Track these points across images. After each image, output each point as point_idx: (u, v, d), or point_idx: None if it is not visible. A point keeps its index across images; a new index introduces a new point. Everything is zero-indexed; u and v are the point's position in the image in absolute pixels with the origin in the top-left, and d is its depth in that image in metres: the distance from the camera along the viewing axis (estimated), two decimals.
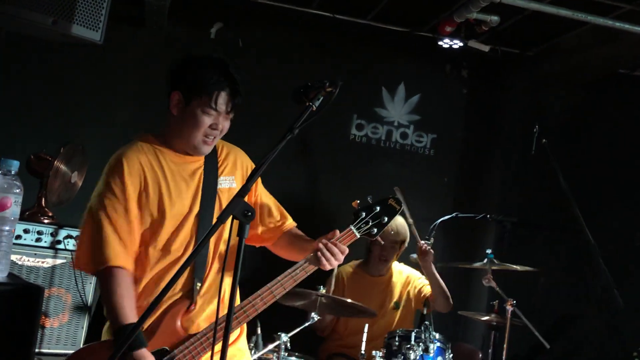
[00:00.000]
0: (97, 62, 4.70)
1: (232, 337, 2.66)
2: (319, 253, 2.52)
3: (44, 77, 4.64)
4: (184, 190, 2.56)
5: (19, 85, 4.58)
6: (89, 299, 4.09)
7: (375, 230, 2.61)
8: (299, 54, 5.28)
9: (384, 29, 5.30)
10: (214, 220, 2.52)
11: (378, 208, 2.63)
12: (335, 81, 2.22)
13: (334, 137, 5.34)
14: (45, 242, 3.97)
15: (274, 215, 2.81)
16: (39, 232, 3.95)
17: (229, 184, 2.67)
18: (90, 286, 4.09)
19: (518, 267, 4.20)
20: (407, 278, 4.64)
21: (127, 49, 4.83)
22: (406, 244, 4.54)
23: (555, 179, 4.41)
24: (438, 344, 3.91)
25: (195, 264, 2.53)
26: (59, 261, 4.01)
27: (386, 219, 2.61)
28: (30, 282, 1.69)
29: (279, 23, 5.17)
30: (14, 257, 3.80)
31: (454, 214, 4.77)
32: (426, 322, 3.95)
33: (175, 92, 2.58)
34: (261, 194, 2.83)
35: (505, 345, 3.96)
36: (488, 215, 4.77)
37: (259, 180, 2.80)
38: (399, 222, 4.48)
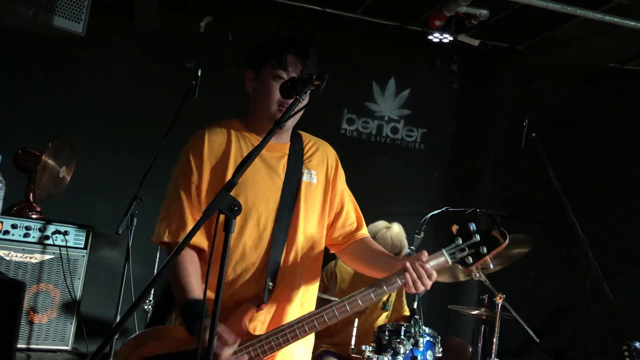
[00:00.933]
0: (85, 56, 4.68)
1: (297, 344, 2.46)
2: (407, 273, 2.31)
3: (31, 72, 4.62)
4: (264, 180, 2.44)
5: (5, 80, 4.55)
6: (78, 294, 4.07)
7: (471, 259, 2.33)
8: None
9: (373, 23, 5.29)
10: (293, 215, 2.45)
11: (478, 237, 2.34)
12: (323, 74, 2.20)
13: (324, 132, 5.26)
14: (34, 237, 3.94)
15: (352, 218, 2.67)
16: (27, 228, 3.92)
17: (310, 178, 2.56)
18: (78, 282, 4.06)
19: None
20: None
21: (115, 43, 4.81)
22: (401, 256, 4.53)
23: (545, 173, 4.40)
24: (428, 338, 3.91)
25: (269, 262, 2.39)
26: (47, 256, 3.98)
27: (485, 249, 2.33)
28: (12, 278, 1.67)
29: (269, 17, 5.15)
30: (1, 253, 3.77)
31: (444, 208, 4.76)
32: (416, 317, 3.95)
33: (248, 70, 2.56)
34: (343, 192, 2.68)
35: (495, 340, 3.96)
36: (478, 210, 4.75)
37: (342, 176, 2.72)
38: (394, 232, 4.47)
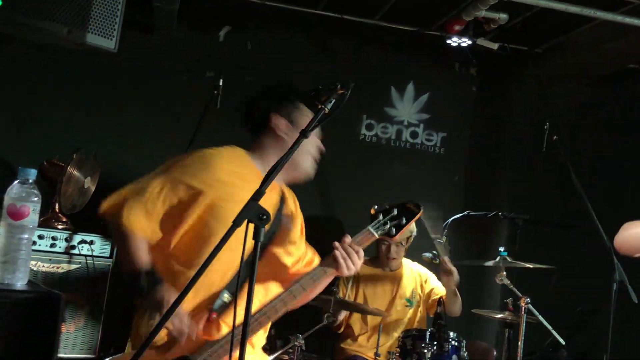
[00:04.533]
0: (107, 69, 4.72)
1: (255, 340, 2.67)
2: (336, 252, 2.54)
3: (54, 84, 4.67)
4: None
5: (30, 93, 4.61)
6: (104, 303, 4.11)
7: (394, 230, 2.63)
8: (307, 55, 5.29)
9: (391, 29, 5.30)
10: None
11: (396, 211, 2.66)
12: (347, 83, 2.23)
13: (344, 138, 5.35)
14: (60, 247, 4.00)
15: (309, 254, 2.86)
16: (54, 238, 3.98)
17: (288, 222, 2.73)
18: (104, 290, 4.11)
19: (531, 265, 4.20)
20: (419, 277, 4.66)
21: (136, 55, 4.85)
22: (412, 239, 4.55)
23: (566, 175, 4.39)
24: (453, 342, 3.92)
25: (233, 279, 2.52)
26: (73, 266, 4.04)
27: (404, 220, 2.65)
28: (49, 289, 1.71)
29: (287, 25, 5.18)
30: None
31: (465, 212, 4.77)
32: (440, 321, 3.96)
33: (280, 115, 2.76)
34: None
35: (520, 343, 3.95)
36: (500, 213, 4.77)
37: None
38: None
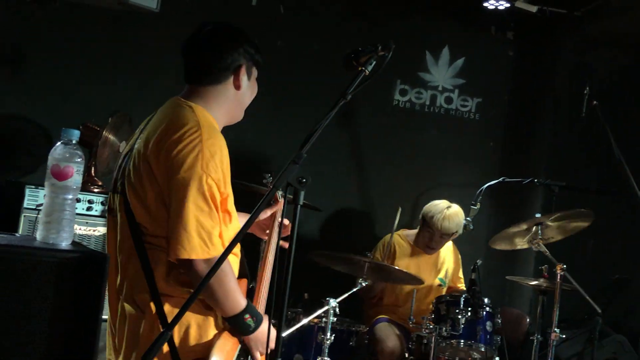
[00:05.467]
0: (144, 31, 4.70)
1: None
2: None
3: (91, 46, 4.65)
4: None
5: (68, 55, 4.61)
6: None
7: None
8: (340, 19, 5.22)
9: None
10: None
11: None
12: (388, 44, 2.18)
13: (377, 103, 5.30)
14: (96, 210, 4.03)
15: None
16: (90, 201, 4.02)
17: None
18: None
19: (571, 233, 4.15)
20: (455, 255, 4.67)
21: (168, 18, 4.82)
22: (457, 234, 4.51)
23: (603, 142, 4.31)
24: (487, 309, 3.91)
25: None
26: None
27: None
28: (95, 250, 1.72)
29: None
30: None
31: (500, 179, 4.71)
32: (475, 287, 3.94)
33: (242, 66, 2.39)
34: None
35: (555, 309, 3.92)
36: (535, 180, 4.70)
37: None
38: (454, 220, 4.41)
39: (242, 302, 2.20)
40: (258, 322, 2.25)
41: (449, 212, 4.38)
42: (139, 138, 2.27)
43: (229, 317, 2.20)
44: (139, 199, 2.15)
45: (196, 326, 2.21)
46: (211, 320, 2.25)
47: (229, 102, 2.36)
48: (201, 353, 2.19)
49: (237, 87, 2.36)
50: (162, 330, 1.99)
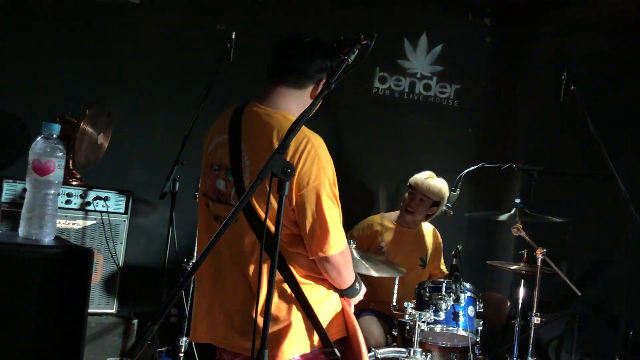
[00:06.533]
0: (116, 22, 4.64)
1: None
2: None
3: (67, 38, 4.59)
4: None
5: (43, 47, 4.54)
6: (120, 259, 4.14)
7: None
8: (318, 6, 5.20)
9: None
10: None
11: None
12: (371, 33, 2.19)
13: (357, 91, 5.29)
14: (75, 204, 4.00)
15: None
16: (69, 195, 3.98)
17: None
18: (121, 246, 4.14)
19: (550, 218, 4.18)
20: (435, 238, 4.70)
21: (154, 11, 4.76)
22: (438, 210, 4.55)
23: (583, 126, 4.33)
24: (469, 293, 3.93)
25: None
26: (89, 222, 4.05)
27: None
28: (80, 245, 1.70)
29: None
30: None
31: (479, 165, 4.73)
32: (456, 273, 3.96)
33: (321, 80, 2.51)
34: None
35: (536, 293, 3.96)
36: (514, 165, 4.73)
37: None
38: (438, 183, 4.50)
39: (353, 273, 2.51)
40: (360, 284, 2.58)
41: (434, 178, 4.55)
42: (243, 151, 2.39)
43: (348, 288, 2.49)
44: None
45: (329, 307, 2.44)
46: (332, 294, 2.47)
47: (302, 107, 2.44)
48: (341, 329, 2.48)
49: (312, 96, 2.48)
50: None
